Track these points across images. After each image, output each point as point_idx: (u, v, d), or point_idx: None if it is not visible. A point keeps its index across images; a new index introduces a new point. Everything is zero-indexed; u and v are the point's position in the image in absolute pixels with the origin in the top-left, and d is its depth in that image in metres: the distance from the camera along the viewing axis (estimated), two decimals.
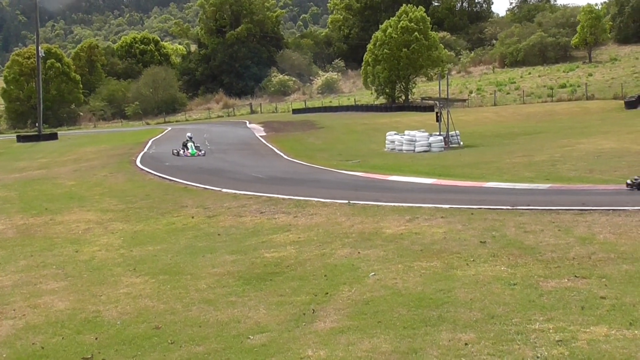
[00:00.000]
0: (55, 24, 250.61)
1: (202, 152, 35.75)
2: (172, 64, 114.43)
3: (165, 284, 10.89)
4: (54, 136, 63.22)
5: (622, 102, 53.14)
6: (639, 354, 6.56)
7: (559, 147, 30.25)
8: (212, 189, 22.36)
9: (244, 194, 20.56)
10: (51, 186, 26.53)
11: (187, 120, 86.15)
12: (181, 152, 35.29)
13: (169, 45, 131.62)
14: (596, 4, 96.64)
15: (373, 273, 10.36)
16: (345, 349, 7.34)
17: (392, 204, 17.01)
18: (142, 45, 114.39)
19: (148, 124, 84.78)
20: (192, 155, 34.73)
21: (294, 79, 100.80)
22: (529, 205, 15.64)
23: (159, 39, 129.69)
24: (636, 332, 7.15)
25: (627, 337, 7.03)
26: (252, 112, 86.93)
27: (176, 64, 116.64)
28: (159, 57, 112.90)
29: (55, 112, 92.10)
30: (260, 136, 49.45)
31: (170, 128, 65.28)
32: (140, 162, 33.04)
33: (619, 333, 7.14)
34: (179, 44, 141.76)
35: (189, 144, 35.72)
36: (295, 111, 76.46)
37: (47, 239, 16.01)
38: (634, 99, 52.29)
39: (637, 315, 7.66)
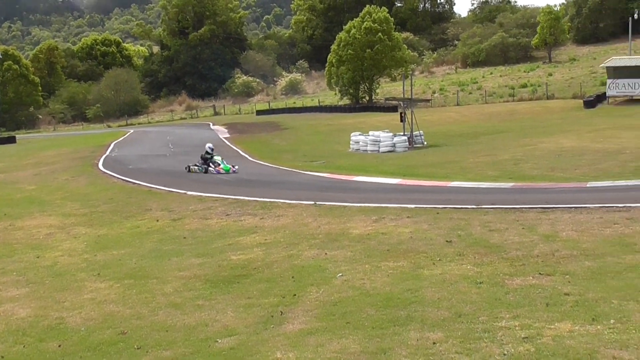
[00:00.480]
0: (12, 25, 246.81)
1: (236, 167, 28.43)
2: (134, 66, 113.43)
3: (130, 289, 10.81)
4: (12, 139, 62.20)
5: (581, 101, 53.89)
6: (602, 348, 6.65)
7: (521, 146, 30.55)
8: (177, 192, 22.26)
9: (210, 196, 20.50)
10: (10, 191, 26.21)
11: (149, 122, 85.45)
12: (211, 168, 27.86)
13: (131, 47, 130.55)
14: (555, 5, 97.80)
15: (341, 274, 10.38)
16: (314, 351, 7.35)
17: (359, 204, 17.09)
18: (104, 47, 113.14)
19: (110, 126, 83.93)
20: (226, 171, 27.59)
21: (257, 80, 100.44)
22: (493, 204, 15.80)
23: (120, 40, 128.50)
24: (599, 327, 7.26)
25: (591, 332, 7.13)
26: (216, 113, 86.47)
27: (138, 65, 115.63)
28: (120, 59, 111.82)
29: (13, 115, 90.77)
30: (225, 138, 49.24)
31: (132, 130, 64.74)
32: (103, 165, 32.77)
33: (582, 328, 7.24)
34: (141, 45, 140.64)
35: (216, 158, 28.51)
36: (259, 112, 76.16)
37: (7, 245, 15.81)
38: (592, 99, 53.11)
39: (600, 311, 7.77)
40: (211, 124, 66.07)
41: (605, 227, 12.29)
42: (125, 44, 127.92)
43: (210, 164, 28.12)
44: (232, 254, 12.55)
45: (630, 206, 14.22)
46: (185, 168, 28.93)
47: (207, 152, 28.72)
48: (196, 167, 28.38)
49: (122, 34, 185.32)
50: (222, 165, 27.85)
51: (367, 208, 16.45)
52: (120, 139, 52.73)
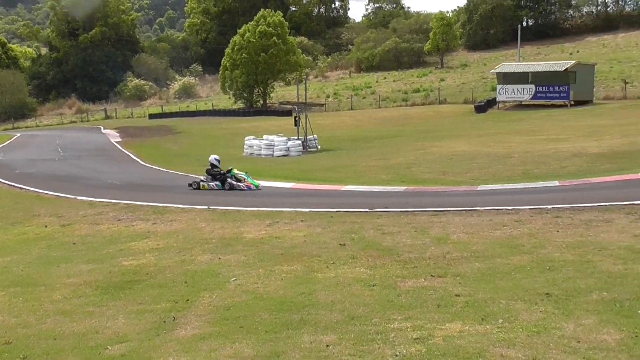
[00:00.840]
0: None
1: (259, 182, 23.46)
2: (21, 68, 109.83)
3: (16, 297, 10.43)
4: None
5: (472, 106, 55.44)
6: (491, 347, 6.79)
7: (413, 150, 31.07)
8: (66, 197, 21.71)
9: (100, 202, 20.07)
10: None
11: (37, 126, 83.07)
12: (240, 184, 22.78)
13: (17, 48, 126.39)
14: (447, 12, 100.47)
15: (234, 278, 10.30)
16: (207, 356, 7.25)
17: (252, 208, 17.08)
18: None
19: None
20: (257, 187, 22.82)
21: (150, 83, 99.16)
22: (386, 208, 16.01)
23: (6, 40, 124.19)
24: (488, 326, 7.40)
25: (480, 332, 7.26)
26: (107, 117, 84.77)
27: (25, 67, 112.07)
28: (6, 60, 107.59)
29: None
30: (116, 142, 48.38)
31: (19, 134, 62.88)
32: None
33: (472, 328, 7.36)
34: (28, 46, 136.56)
35: (236, 172, 23.32)
36: (151, 116, 75.18)
37: None
38: (483, 104, 54.73)
39: (489, 311, 7.93)
40: (102, 127, 64.89)
41: (494, 229, 12.60)
42: (11, 45, 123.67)
43: (230, 179, 22.98)
44: (123, 259, 12.28)
45: (518, 209, 14.66)
46: (191, 185, 23.34)
47: (214, 166, 23.59)
48: (212, 184, 23.09)
49: (8, 34, 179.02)
50: (250, 181, 23.00)
51: (261, 212, 16.44)
52: (6, 142, 51.16)
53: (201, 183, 23.15)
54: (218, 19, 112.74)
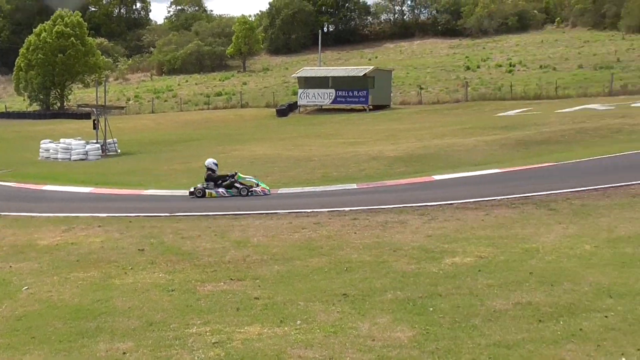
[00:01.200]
0: None
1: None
2: None
3: None
4: None
5: (274, 110, 56.22)
6: (289, 349, 6.89)
7: (215, 153, 30.96)
8: None
9: None
10: None
11: None
12: (256, 189, 20.36)
13: None
14: (250, 16, 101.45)
15: (26, 287, 9.87)
16: None
17: (47, 214, 16.47)
18: None
19: None
20: (269, 192, 20.44)
21: None
22: (186, 212, 15.92)
23: None
24: (286, 328, 7.51)
25: (278, 334, 7.36)
26: None
27: None
28: None
29: None
30: None
31: None
32: None
33: (270, 331, 7.45)
34: None
35: (242, 175, 20.98)
36: None
37: None
38: (284, 107, 55.69)
39: (287, 313, 8.05)
40: None
41: (294, 231, 12.81)
42: None
43: (239, 185, 20.59)
44: None
45: (317, 211, 14.98)
46: (194, 194, 20.60)
47: (213, 171, 20.94)
48: (220, 191, 20.50)
49: None
50: (262, 185, 20.59)
51: (56, 218, 15.85)
52: None
53: (207, 190, 20.52)
54: (11, 17, 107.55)
